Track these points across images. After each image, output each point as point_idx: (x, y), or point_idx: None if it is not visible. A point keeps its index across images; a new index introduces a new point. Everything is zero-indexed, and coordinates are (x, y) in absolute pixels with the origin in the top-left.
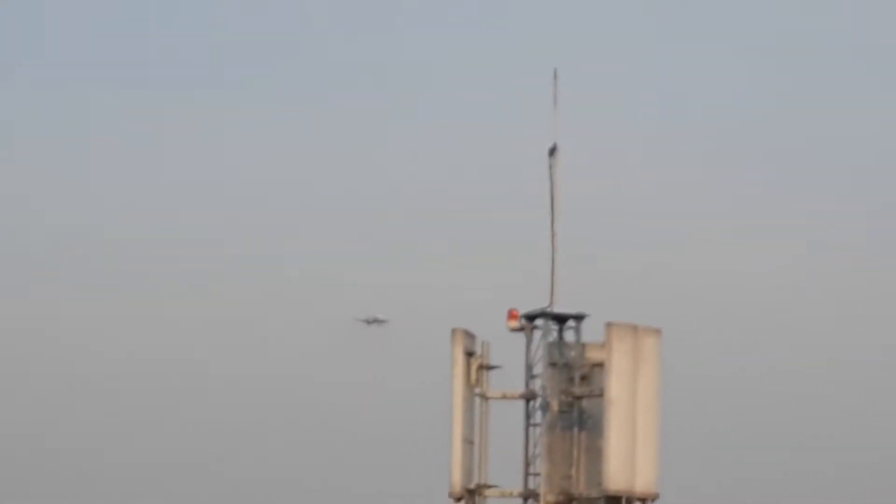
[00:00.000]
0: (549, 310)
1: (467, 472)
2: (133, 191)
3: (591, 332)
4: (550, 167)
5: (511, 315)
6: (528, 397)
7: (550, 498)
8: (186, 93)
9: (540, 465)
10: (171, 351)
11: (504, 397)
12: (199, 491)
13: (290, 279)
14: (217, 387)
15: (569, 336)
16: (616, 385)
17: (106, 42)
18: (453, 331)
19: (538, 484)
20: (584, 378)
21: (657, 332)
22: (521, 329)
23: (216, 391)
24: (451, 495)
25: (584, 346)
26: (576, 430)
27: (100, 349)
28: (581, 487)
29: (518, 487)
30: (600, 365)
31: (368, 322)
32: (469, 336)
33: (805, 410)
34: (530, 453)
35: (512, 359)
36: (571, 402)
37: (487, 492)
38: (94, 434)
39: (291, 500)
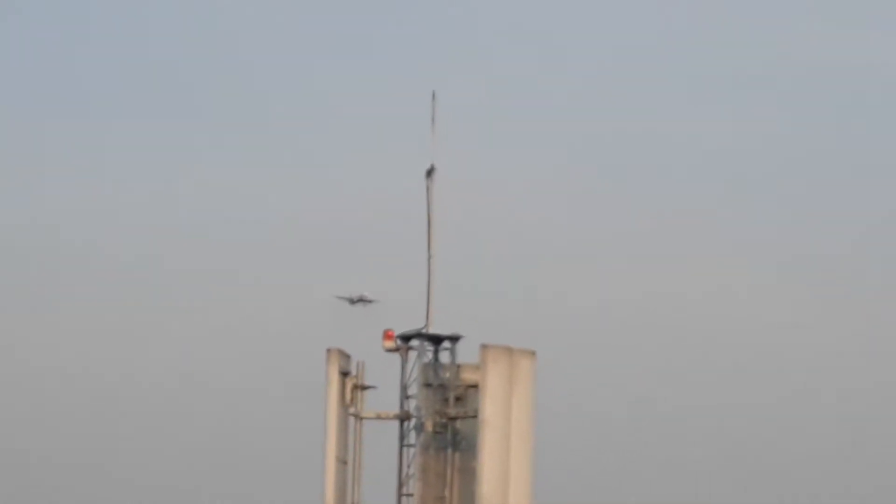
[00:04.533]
0: (424, 330)
1: (340, 491)
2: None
3: (466, 353)
4: (427, 189)
5: (386, 335)
6: (403, 418)
7: None
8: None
9: (413, 486)
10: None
11: (378, 417)
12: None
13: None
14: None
15: (444, 357)
16: (490, 406)
17: (44, 69)
18: (328, 350)
19: None
20: (458, 399)
21: (532, 354)
22: (397, 349)
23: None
24: None
25: (459, 367)
26: (450, 450)
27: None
28: None
29: None
30: (475, 386)
31: (353, 301)
32: (344, 356)
33: (677, 435)
34: (404, 474)
35: (387, 379)
36: (446, 422)
37: None
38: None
39: None
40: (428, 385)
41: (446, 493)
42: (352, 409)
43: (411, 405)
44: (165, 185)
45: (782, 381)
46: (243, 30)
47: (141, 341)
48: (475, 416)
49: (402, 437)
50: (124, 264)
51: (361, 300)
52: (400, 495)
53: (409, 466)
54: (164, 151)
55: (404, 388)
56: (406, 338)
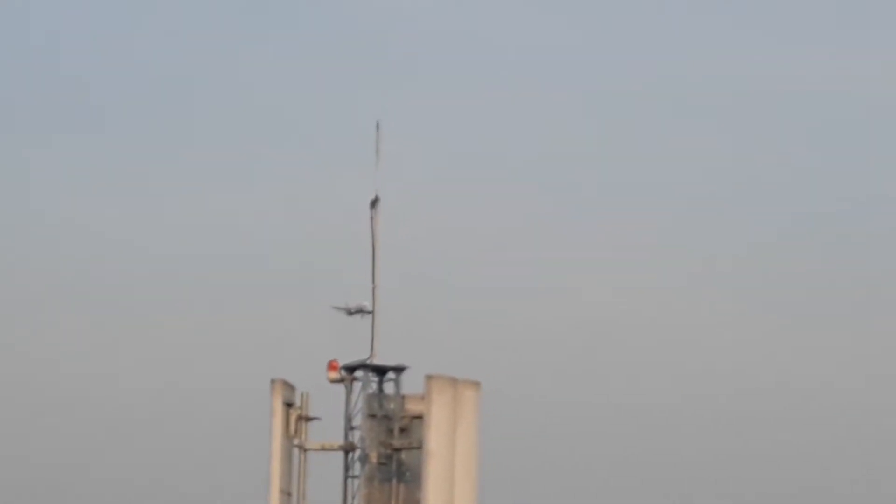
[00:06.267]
0: (369, 361)
1: None
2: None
3: (411, 384)
4: (372, 219)
5: (331, 366)
6: (348, 449)
7: None
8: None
9: None
10: None
11: (323, 449)
12: None
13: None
14: None
15: (389, 388)
16: (435, 437)
17: None
18: (272, 381)
19: None
20: (403, 430)
21: (476, 384)
22: (341, 380)
23: None
24: None
25: (403, 398)
26: (394, 482)
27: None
28: None
29: None
30: (420, 417)
31: (350, 312)
32: (288, 387)
33: (629, 466)
34: None
35: (332, 410)
36: (390, 454)
37: None
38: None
39: None
40: (372, 416)
41: None
42: (296, 441)
43: (356, 436)
44: (102, 209)
45: (744, 415)
46: (179, 54)
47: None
48: (420, 448)
49: (346, 468)
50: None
51: (360, 311)
52: None
53: (353, 498)
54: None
55: (349, 419)
56: (350, 369)
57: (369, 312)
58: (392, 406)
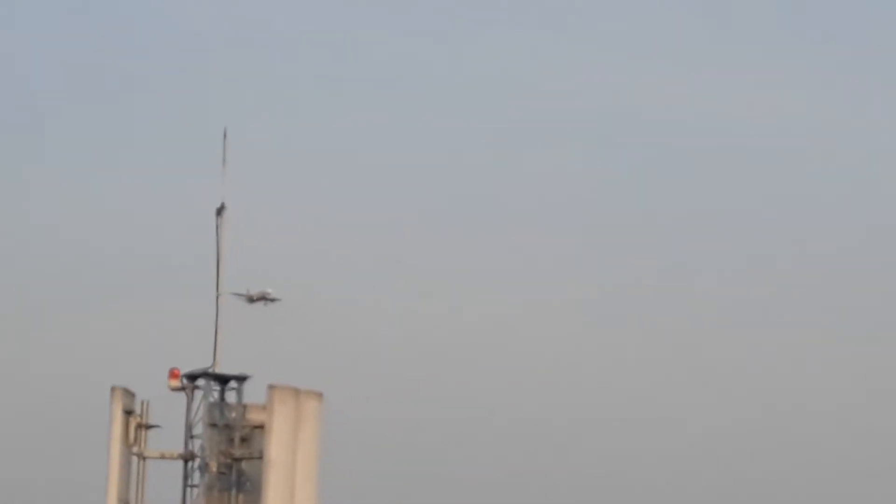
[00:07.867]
0: (211, 370)
1: None
2: None
3: (253, 393)
4: (217, 227)
5: (172, 374)
6: (187, 458)
7: None
8: None
9: None
10: None
11: (162, 457)
12: None
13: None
14: None
15: (231, 397)
16: (276, 447)
17: None
18: (112, 389)
19: None
20: (244, 440)
21: (319, 395)
22: (183, 389)
23: None
24: None
25: (245, 407)
26: (234, 491)
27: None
28: None
29: None
30: (261, 427)
31: (252, 299)
32: (128, 394)
33: (478, 478)
34: None
35: (172, 419)
36: (230, 463)
37: None
38: None
39: None
40: (213, 425)
41: None
42: (135, 449)
43: (196, 445)
44: None
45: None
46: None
47: None
48: (260, 457)
49: (186, 477)
50: None
51: (263, 298)
52: None
53: None
54: None
55: (189, 427)
56: (192, 377)
57: (273, 300)
58: (233, 415)
